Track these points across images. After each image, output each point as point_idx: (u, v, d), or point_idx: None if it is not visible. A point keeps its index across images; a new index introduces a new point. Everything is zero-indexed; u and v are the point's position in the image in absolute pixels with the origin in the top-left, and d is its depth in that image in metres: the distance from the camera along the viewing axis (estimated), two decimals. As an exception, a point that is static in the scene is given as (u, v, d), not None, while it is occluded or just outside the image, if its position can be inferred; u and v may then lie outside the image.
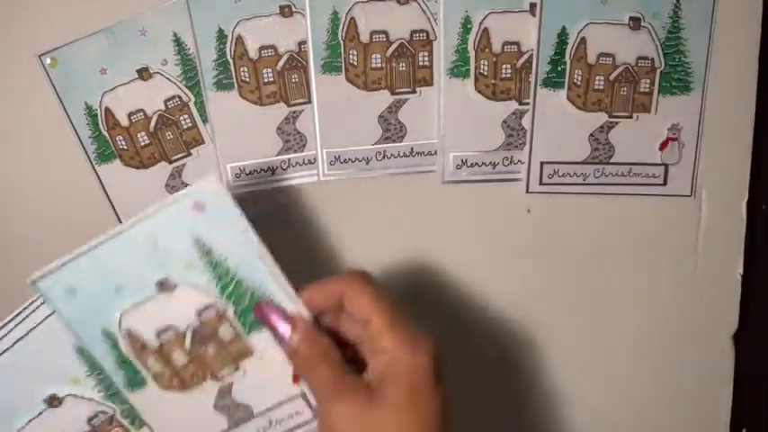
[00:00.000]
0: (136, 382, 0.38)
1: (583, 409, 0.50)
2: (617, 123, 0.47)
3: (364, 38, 0.45)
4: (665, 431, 0.51)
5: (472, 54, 0.45)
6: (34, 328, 0.39)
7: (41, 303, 0.38)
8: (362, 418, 0.34)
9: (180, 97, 0.45)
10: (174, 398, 0.38)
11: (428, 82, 0.46)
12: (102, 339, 0.37)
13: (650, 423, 0.50)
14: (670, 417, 0.50)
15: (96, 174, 0.45)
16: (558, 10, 0.45)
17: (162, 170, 0.46)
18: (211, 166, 0.46)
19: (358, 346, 0.37)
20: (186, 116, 0.46)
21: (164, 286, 0.37)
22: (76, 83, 0.44)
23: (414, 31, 0.45)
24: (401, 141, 0.46)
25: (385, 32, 0.45)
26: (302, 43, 0.45)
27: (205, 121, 0.46)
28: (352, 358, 0.36)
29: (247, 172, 0.46)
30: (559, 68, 0.46)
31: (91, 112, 0.45)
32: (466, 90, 0.46)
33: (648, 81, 0.46)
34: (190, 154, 0.46)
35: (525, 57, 0.46)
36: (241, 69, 0.45)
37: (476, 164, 0.47)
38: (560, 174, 0.47)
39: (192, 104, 0.45)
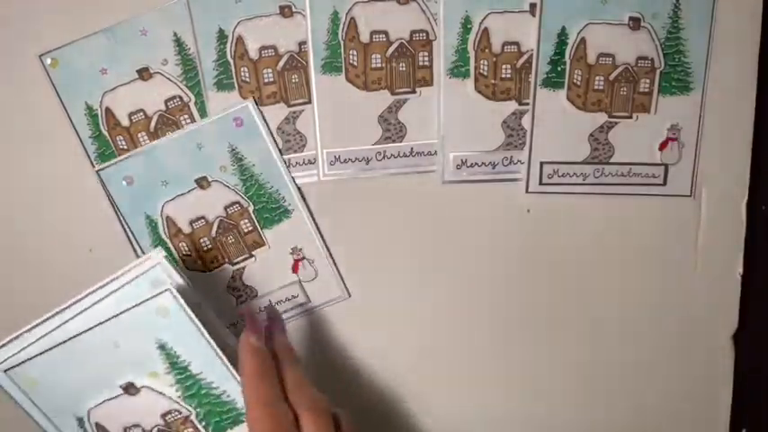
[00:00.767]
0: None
1: (583, 408, 0.50)
2: (617, 123, 0.47)
3: (364, 38, 0.45)
4: (665, 431, 0.51)
5: (472, 54, 0.45)
6: (120, 314, 0.40)
7: (129, 288, 0.40)
8: None
9: (180, 97, 0.45)
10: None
11: (428, 82, 0.46)
12: (144, 223, 0.46)
13: (650, 423, 0.50)
14: (670, 416, 0.50)
15: (96, 174, 0.46)
16: (557, 10, 0.45)
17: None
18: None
19: None
20: (186, 116, 0.46)
21: (201, 184, 0.45)
22: (77, 83, 0.44)
23: (414, 32, 0.45)
24: (401, 141, 0.46)
25: (385, 32, 0.45)
26: (302, 43, 0.45)
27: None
28: None
29: (247, 172, 0.47)
30: (559, 68, 0.46)
31: (91, 113, 0.45)
32: (466, 90, 0.46)
33: (648, 81, 0.46)
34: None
35: (525, 57, 0.46)
36: (241, 69, 0.45)
37: (476, 164, 0.47)
38: (560, 174, 0.47)
39: (192, 104, 0.46)
